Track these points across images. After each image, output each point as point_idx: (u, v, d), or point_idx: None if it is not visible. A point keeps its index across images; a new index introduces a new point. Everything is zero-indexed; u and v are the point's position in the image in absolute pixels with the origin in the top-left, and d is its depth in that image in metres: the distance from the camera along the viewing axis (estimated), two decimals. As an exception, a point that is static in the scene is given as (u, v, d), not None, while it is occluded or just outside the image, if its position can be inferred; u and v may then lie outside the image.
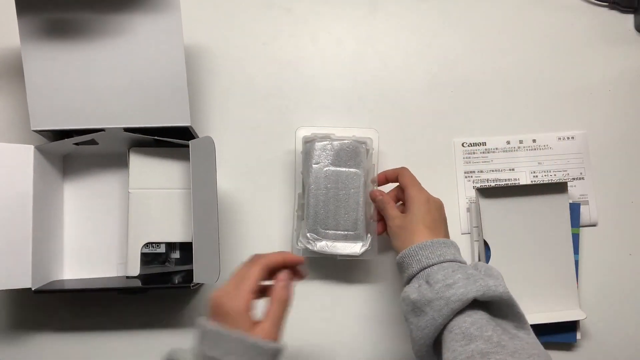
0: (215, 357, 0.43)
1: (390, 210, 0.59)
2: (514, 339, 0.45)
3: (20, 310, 0.65)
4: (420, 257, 0.51)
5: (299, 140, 0.65)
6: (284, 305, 0.48)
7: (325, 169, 0.62)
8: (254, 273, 0.47)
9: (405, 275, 0.53)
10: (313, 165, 0.62)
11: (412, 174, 0.60)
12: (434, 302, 0.48)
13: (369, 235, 0.63)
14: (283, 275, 0.49)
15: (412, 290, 0.50)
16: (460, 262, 0.52)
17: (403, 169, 0.61)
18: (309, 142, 0.63)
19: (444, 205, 0.58)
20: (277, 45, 0.71)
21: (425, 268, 0.51)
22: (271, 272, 0.49)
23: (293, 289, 0.49)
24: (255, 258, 0.49)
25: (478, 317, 0.47)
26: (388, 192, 0.62)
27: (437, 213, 0.57)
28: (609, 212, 0.68)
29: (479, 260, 0.65)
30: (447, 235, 0.56)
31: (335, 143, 0.63)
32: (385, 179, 0.63)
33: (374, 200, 0.62)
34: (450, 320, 0.47)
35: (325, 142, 0.62)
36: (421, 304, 0.49)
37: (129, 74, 0.59)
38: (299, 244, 0.63)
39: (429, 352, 0.50)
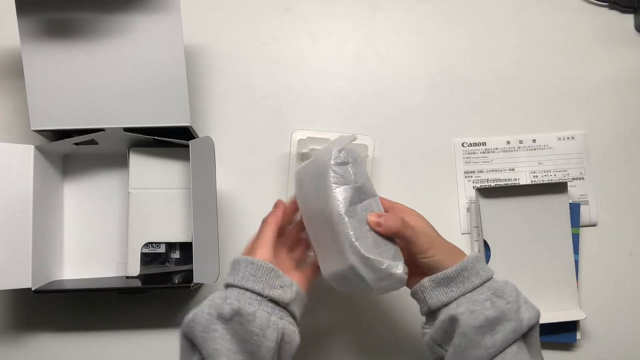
0: (232, 283, 0.49)
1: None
2: None
3: (20, 310, 0.65)
4: (478, 269, 0.48)
5: (294, 144, 0.64)
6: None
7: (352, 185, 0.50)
8: (268, 224, 0.54)
9: (458, 290, 0.48)
10: (342, 187, 0.49)
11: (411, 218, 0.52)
12: (510, 322, 0.45)
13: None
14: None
15: (485, 306, 0.46)
16: None
17: (400, 218, 0.50)
18: (312, 151, 0.54)
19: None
20: (277, 45, 0.71)
21: (486, 281, 0.48)
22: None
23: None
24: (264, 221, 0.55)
25: (523, 356, 0.45)
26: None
27: None
28: (609, 212, 0.68)
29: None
30: None
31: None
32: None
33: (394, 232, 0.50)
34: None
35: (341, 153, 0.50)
36: (495, 322, 0.45)
37: (129, 74, 0.59)
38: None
39: None
